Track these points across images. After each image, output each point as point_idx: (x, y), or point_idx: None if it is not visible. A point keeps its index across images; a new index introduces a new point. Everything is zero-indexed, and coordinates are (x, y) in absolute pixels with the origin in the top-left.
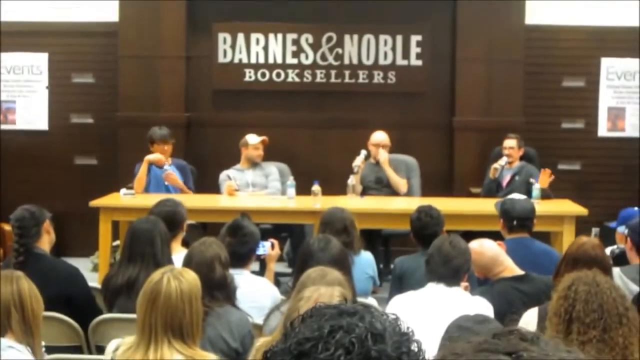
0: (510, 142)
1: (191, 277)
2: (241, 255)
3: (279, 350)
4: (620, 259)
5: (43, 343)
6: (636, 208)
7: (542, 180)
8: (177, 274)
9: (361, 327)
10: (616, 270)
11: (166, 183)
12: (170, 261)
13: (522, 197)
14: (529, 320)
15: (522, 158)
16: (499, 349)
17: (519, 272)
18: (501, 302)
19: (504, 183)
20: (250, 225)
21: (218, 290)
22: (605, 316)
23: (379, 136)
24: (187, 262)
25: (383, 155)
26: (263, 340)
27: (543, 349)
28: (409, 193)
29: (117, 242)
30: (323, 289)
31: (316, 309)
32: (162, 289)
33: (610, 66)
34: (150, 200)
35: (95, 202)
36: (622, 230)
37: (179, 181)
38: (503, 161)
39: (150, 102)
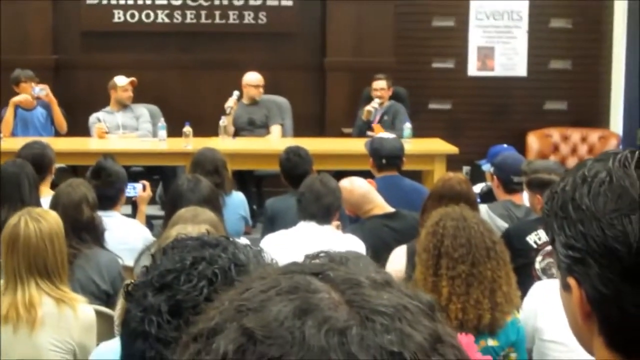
0: (380, 84)
1: (51, 217)
2: (109, 197)
3: (140, 283)
4: (489, 196)
5: None
6: (505, 145)
7: None
8: (36, 215)
9: (224, 258)
10: (484, 207)
11: (42, 95)
12: (38, 204)
13: (391, 136)
14: (397, 256)
15: (392, 97)
16: (304, 270)
17: (390, 209)
18: (373, 239)
19: (374, 123)
20: (114, 165)
21: (86, 232)
22: (473, 250)
23: (253, 77)
24: (54, 205)
25: None
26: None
27: (351, 268)
28: (282, 134)
29: None
30: (190, 228)
31: (178, 241)
32: (20, 231)
33: (479, 6)
34: (18, 143)
35: None
36: (487, 168)
37: (53, 98)
38: (376, 103)
39: (17, 45)
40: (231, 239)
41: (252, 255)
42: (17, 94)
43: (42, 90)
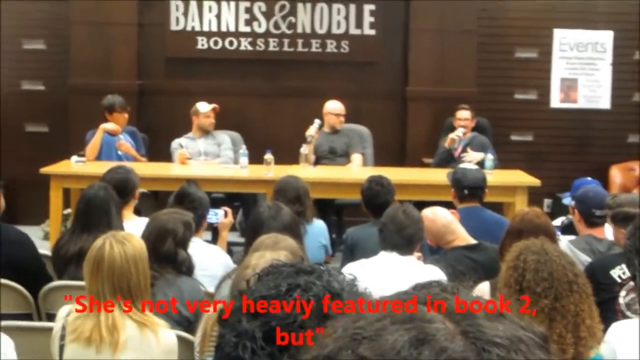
0: (464, 114)
1: (135, 240)
2: None
3: (234, 309)
4: (570, 230)
5: None
6: (589, 178)
7: None
8: (120, 238)
9: (319, 286)
10: (565, 241)
11: (119, 152)
12: (122, 229)
13: (474, 166)
14: (481, 292)
15: (475, 128)
16: (418, 300)
17: (472, 241)
18: (454, 270)
19: (457, 154)
20: (198, 191)
21: (165, 262)
22: (555, 284)
23: (335, 105)
24: (147, 225)
25: None
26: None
27: (463, 298)
28: (363, 163)
29: (69, 210)
30: (268, 255)
31: (273, 267)
32: (105, 254)
33: (562, 37)
34: (102, 167)
35: (46, 169)
36: (568, 201)
37: (132, 150)
38: (460, 132)
39: (102, 70)
40: (325, 267)
41: (346, 284)
42: (105, 118)
43: (122, 140)
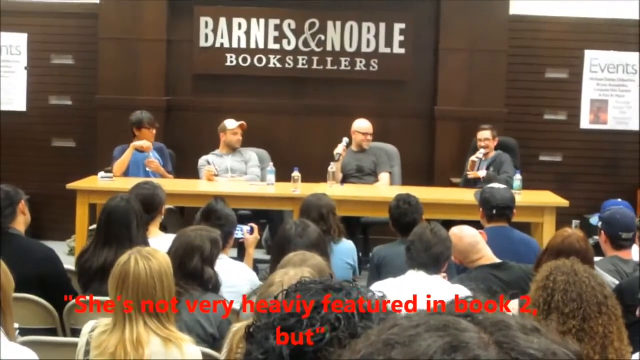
0: (485, 134)
1: (160, 256)
2: None
3: (262, 325)
4: (596, 250)
5: (17, 325)
6: (620, 200)
7: None
8: (146, 253)
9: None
10: None
11: (148, 170)
12: (146, 244)
13: (502, 186)
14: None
15: (502, 148)
16: (452, 312)
17: (497, 260)
18: (487, 288)
19: (475, 171)
20: (225, 208)
21: (192, 279)
22: (584, 306)
23: (363, 124)
24: (174, 241)
25: None
26: (240, 325)
27: (498, 313)
28: (391, 182)
29: (95, 226)
30: (292, 272)
31: (301, 284)
32: (130, 269)
33: (593, 58)
34: (129, 183)
35: (72, 185)
36: (595, 222)
37: (161, 168)
38: (480, 154)
39: (130, 86)
40: (354, 285)
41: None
42: (133, 134)
43: (151, 158)
